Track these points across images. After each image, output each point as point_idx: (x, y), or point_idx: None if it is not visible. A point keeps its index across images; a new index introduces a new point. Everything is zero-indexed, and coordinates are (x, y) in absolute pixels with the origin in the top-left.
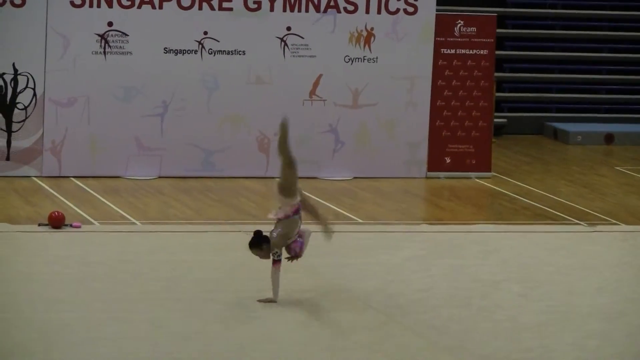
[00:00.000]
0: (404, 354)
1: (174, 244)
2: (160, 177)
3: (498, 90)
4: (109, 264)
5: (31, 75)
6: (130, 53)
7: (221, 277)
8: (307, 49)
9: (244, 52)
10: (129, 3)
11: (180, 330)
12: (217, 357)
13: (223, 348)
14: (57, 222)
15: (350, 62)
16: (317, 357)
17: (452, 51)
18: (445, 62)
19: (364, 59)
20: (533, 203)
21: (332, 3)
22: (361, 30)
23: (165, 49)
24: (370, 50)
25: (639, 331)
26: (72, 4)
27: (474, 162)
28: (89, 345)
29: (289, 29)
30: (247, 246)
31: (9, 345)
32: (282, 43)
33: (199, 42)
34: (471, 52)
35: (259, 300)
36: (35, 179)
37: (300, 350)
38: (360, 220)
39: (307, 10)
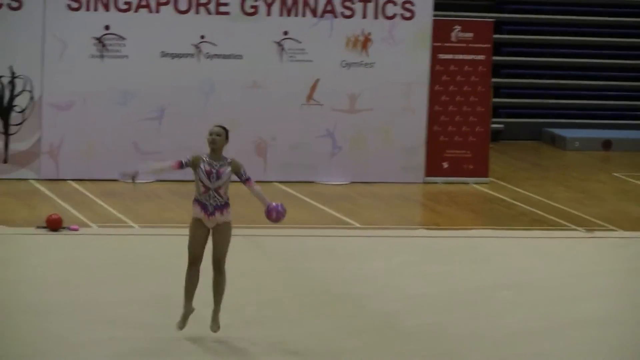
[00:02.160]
0: (401, 359)
1: (171, 247)
2: (157, 180)
3: (495, 96)
4: (106, 266)
5: (29, 79)
6: (127, 57)
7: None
8: (304, 53)
9: (241, 56)
10: (126, 7)
11: (176, 334)
12: None
13: (222, 351)
14: (54, 224)
15: (347, 66)
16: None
17: (449, 56)
18: (442, 68)
19: (361, 64)
20: (530, 209)
21: (329, 8)
22: (358, 35)
23: (162, 52)
24: (367, 55)
25: (634, 338)
26: (69, 7)
27: (471, 167)
28: (84, 350)
29: (285, 33)
30: None
31: (3, 350)
32: (279, 47)
33: (196, 46)
34: (468, 57)
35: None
36: (33, 181)
37: (294, 355)
38: (358, 225)
39: (304, 15)
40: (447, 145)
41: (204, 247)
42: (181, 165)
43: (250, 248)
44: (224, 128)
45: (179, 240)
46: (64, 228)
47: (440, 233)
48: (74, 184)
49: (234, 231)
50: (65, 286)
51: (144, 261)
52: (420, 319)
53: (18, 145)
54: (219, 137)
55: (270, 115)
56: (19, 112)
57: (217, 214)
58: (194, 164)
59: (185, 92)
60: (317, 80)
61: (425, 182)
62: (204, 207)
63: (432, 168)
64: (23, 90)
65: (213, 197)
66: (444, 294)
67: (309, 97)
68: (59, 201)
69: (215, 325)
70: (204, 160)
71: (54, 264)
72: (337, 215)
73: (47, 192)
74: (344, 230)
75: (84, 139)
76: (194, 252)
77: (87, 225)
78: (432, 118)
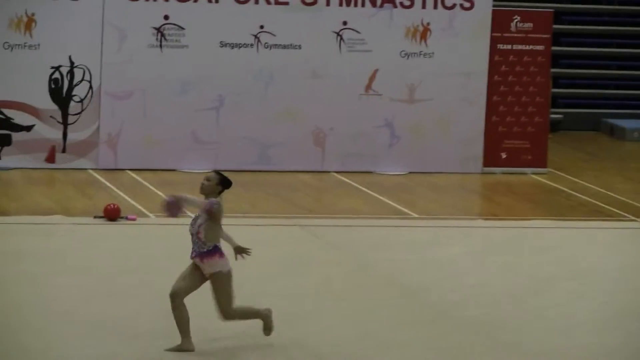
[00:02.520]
0: (457, 350)
1: None
2: (215, 170)
3: (554, 86)
4: (164, 256)
5: (87, 68)
6: (187, 46)
7: (275, 272)
8: (363, 43)
9: (299, 47)
10: None
11: (233, 324)
12: (275, 350)
13: (278, 341)
14: (112, 214)
15: (407, 57)
16: (372, 352)
17: (509, 47)
18: (501, 58)
19: (420, 54)
20: (589, 199)
21: None
22: (417, 26)
23: (221, 42)
24: (426, 45)
25: None
26: None
27: (529, 157)
28: (143, 340)
29: (345, 23)
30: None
31: (65, 336)
32: (338, 37)
33: (255, 36)
34: (527, 47)
35: None
36: (91, 171)
37: (353, 345)
38: (416, 215)
39: (363, 5)
40: (505, 135)
41: (186, 284)
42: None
43: (308, 238)
44: (219, 174)
45: (234, 231)
46: (121, 218)
47: (499, 223)
48: (132, 174)
49: (290, 221)
50: (122, 275)
51: None
52: (480, 309)
53: (76, 135)
54: (208, 183)
55: (328, 105)
56: (78, 101)
57: (198, 260)
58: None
59: (244, 82)
60: (376, 71)
61: (483, 173)
62: (192, 248)
63: (491, 158)
64: (82, 80)
65: (195, 242)
66: (503, 284)
67: (368, 87)
68: (117, 191)
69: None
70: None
71: (111, 254)
72: (395, 205)
73: (105, 181)
74: (401, 221)
75: (143, 129)
76: (175, 287)
77: (145, 215)
78: (491, 108)
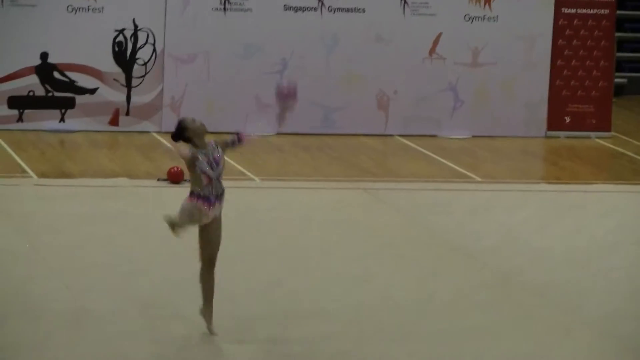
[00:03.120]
0: (521, 314)
1: (292, 200)
2: (279, 133)
3: (619, 50)
4: (228, 219)
5: (151, 31)
6: (250, 10)
7: (339, 235)
8: (428, 7)
9: (363, 10)
10: None
11: (296, 286)
12: (337, 313)
13: (341, 305)
14: (176, 177)
15: (471, 20)
16: (435, 315)
17: (573, 11)
18: (565, 22)
19: (484, 18)
20: None
21: None
22: None
23: (285, 6)
24: (490, 9)
25: None
26: None
27: (594, 121)
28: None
29: None
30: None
31: (131, 296)
32: (402, 1)
33: (319, 0)
34: (592, 11)
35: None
36: (154, 134)
37: (417, 309)
38: (479, 179)
39: None
40: (569, 99)
41: (216, 244)
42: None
43: (371, 202)
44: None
45: (300, 194)
46: (185, 181)
47: (562, 187)
48: None
49: (353, 184)
50: (185, 237)
51: (264, 214)
52: (544, 274)
53: (140, 98)
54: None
55: (392, 69)
56: (142, 65)
57: (217, 204)
58: (193, 156)
59: (308, 46)
60: (440, 34)
61: (547, 137)
62: (206, 200)
63: (554, 122)
64: (146, 43)
65: (216, 187)
66: (566, 248)
67: (432, 51)
68: None
69: (212, 326)
70: (199, 152)
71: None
72: (459, 169)
73: (168, 144)
74: (465, 184)
75: (206, 92)
76: (211, 253)
77: None
78: (555, 72)
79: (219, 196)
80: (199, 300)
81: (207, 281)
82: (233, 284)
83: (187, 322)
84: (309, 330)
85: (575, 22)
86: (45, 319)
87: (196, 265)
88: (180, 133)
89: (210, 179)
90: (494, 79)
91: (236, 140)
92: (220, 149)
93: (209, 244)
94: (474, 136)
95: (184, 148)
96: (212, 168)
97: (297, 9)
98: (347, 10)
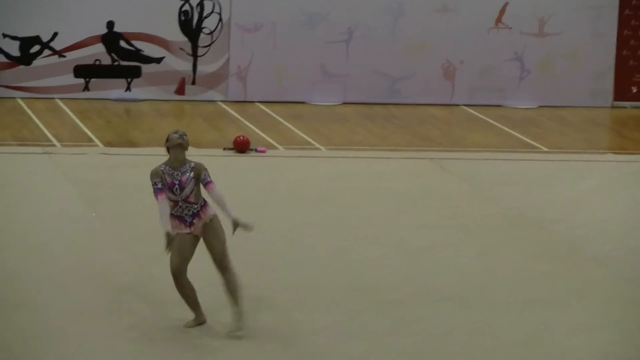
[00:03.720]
0: (586, 284)
1: (357, 170)
2: (345, 103)
3: None
4: (293, 189)
5: (217, 0)
6: None
7: (404, 205)
8: None
9: None
10: None
11: (361, 256)
12: (402, 282)
13: (406, 274)
14: (242, 146)
15: None
16: (500, 285)
17: None
18: None
19: None
20: None
21: None
22: None
23: None
24: None
25: None
26: None
27: None
28: (271, 272)
29: None
30: None
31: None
32: None
33: None
34: None
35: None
36: (220, 103)
37: (481, 278)
38: (545, 149)
39: None
40: (636, 69)
41: (188, 260)
42: (164, 193)
43: (437, 171)
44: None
45: (365, 163)
46: (251, 150)
47: (628, 157)
48: (262, 106)
49: (419, 154)
50: (250, 207)
51: (329, 183)
52: (608, 244)
53: (206, 67)
54: (187, 138)
55: (458, 39)
56: (208, 34)
57: (197, 221)
58: (161, 182)
59: (374, 15)
60: (506, 4)
61: (613, 107)
62: (181, 220)
63: (621, 92)
64: (212, 12)
65: (186, 208)
66: (633, 219)
67: (498, 20)
68: (247, 123)
69: (239, 326)
70: (163, 173)
71: (240, 186)
72: (525, 139)
73: (234, 114)
74: (531, 154)
75: (272, 61)
76: (176, 265)
77: (274, 148)
78: (621, 42)
79: (197, 213)
80: (256, 269)
81: (184, 289)
82: (298, 253)
83: (252, 289)
84: (374, 299)
85: None
86: (111, 287)
87: (248, 236)
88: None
89: (175, 201)
90: (560, 49)
91: (204, 185)
92: (192, 174)
93: (211, 252)
94: (540, 106)
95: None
96: (173, 191)
97: None
98: None
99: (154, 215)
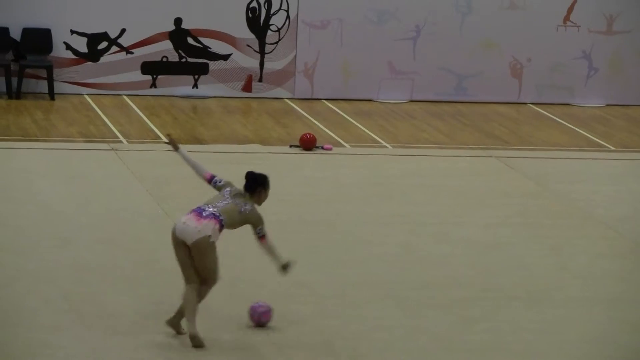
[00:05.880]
0: None
1: (425, 168)
2: (411, 100)
3: None
4: (359, 186)
5: None
6: None
7: (471, 202)
8: None
9: None
10: None
11: (427, 253)
12: (472, 280)
13: (473, 272)
14: (308, 144)
15: None
16: (568, 283)
17: None
18: None
19: None
20: None
21: None
22: None
23: None
24: None
25: None
26: None
27: None
28: (338, 268)
29: None
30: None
31: (256, 263)
32: None
33: None
34: None
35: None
36: (287, 100)
37: (549, 276)
38: (612, 148)
39: None
40: None
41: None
42: (210, 180)
43: (504, 170)
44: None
45: (432, 161)
46: (317, 147)
47: None
48: (328, 104)
49: (486, 152)
50: (316, 203)
51: (396, 181)
52: None
53: (273, 64)
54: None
55: (526, 37)
56: (275, 31)
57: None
58: (219, 189)
59: (442, 12)
60: (575, 2)
61: None
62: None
63: None
64: (279, 9)
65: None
66: None
67: (566, 18)
68: (313, 120)
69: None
70: (231, 189)
71: (307, 183)
72: (592, 137)
73: (301, 111)
74: (598, 153)
75: (339, 59)
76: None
77: (340, 145)
78: None
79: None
80: (320, 268)
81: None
82: (364, 249)
83: (319, 286)
84: (442, 296)
85: None
86: (177, 283)
87: (315, 233)
88: (260, 184)
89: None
90: (629, 47)
91: (257, 238)
92: (245, 209)
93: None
94: (608, 104)
95: None
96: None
97: None
98: None
99: None
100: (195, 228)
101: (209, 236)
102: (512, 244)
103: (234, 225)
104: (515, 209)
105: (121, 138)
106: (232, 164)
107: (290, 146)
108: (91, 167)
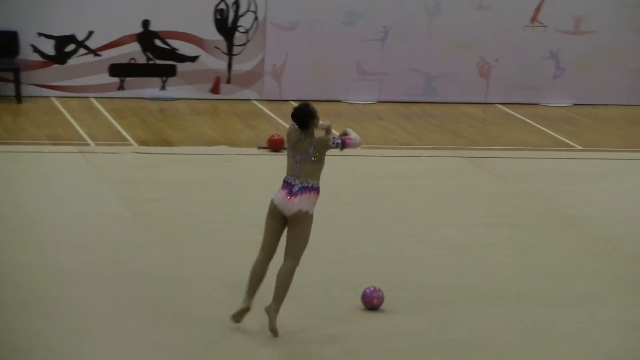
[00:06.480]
0: (625, 283)
1: (393, 168)
2: (380, 101)
3: None
4: (329, 188)
5: None
6: None
7: (439, 203)
8: None
9: None
10: None
11: (402, 253)
12: (447, 280)
13: (447, 272)
14: (276, 145)
15: None
16: (541, 281)
17: None
18: None
19: None
20: None
21: None
22: None
23: None
24: None
25: None
26: None
27: None
28: (314, 269)
29: None
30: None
31: (235, 262)
32: None
33: None
34: None
35: None
36: (255, 102)
37: (521, 276)
38: (580, 147)
39: None
40: None
41: None
42: None
43: (473, 170)
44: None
45: (401, 162)
46: (285, 149)
47: None
48: (297, 105)
49: (455, 152)
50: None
51: (366, 182)
52: None
53: (241, 65)
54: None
55: (494, 37)
56: (243, 32)
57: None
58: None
59: (410, 13)
60: (542, 2)
61: None
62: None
63: None
64: (247, 11)
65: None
66: None
67: (533, 18)
68: (281, 122)
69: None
70: (287, 146)
71: (275, 185)
72: (560, 137)
73: (269, 112)
74: (566, 153)
75: (307, 60)
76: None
77: None
78: None
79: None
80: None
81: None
82: (340, 252)
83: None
84: (416, 297)
85: None
86: (150, 286)
87: None
88: (310, 118)
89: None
90: (595, 47)
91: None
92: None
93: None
94: (575, 104)
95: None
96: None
97: None
98: None
99: (188, 214)
100: (294, 203)
101: (307, 211)
102: (485, 245)
103: (321, 168)
104: (487, 210)
105: (89, 141)
106: (200, 166)
107: (259, 147)
108: (59, 170)
